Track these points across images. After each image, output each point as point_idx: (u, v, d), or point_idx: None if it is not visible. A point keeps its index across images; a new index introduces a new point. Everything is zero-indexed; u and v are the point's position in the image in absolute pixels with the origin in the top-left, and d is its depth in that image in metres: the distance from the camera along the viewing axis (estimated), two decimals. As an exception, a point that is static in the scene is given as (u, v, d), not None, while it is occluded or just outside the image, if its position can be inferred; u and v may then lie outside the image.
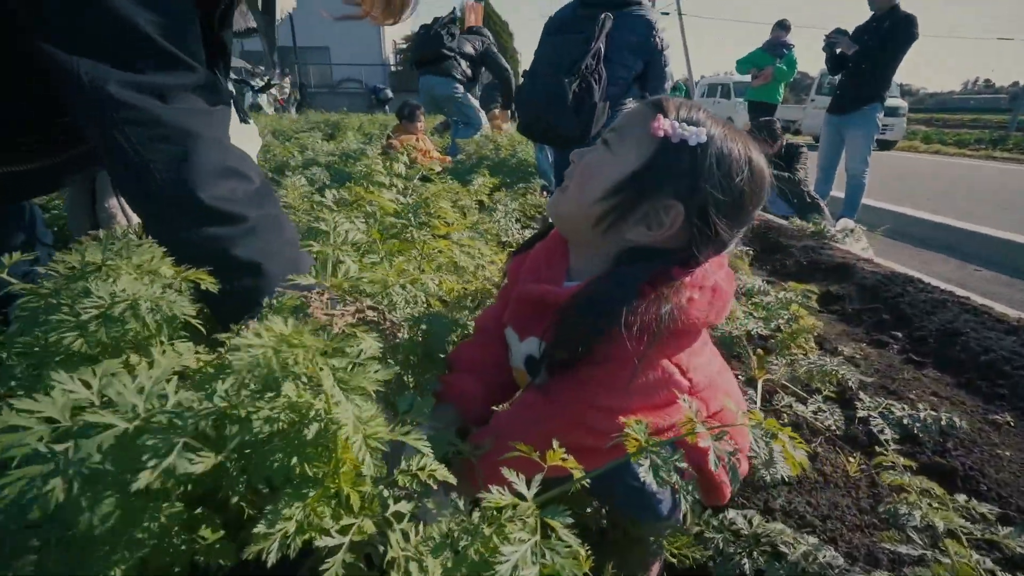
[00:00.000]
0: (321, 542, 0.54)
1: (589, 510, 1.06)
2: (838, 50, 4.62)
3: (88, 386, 0.46)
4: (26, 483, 0.39)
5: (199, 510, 0.65)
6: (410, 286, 1.07)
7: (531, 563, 0.53)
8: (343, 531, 0.56)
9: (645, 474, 0.59)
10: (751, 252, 2.34)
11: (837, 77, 4.84)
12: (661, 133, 0.75)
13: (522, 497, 0.59)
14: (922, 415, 1.31)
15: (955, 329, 1.96)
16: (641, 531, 0.92)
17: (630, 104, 0.81)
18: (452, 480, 0.63)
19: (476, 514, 0.56)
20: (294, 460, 0.54)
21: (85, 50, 0.67)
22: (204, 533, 0.64)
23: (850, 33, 4.63)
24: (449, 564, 0.53)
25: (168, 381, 0.47)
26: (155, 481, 0.46)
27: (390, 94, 16.27)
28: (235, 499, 0.56)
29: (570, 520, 0.58)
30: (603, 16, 2.96)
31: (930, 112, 31.18)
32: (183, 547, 0.62)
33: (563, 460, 0.63)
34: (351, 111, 10.81)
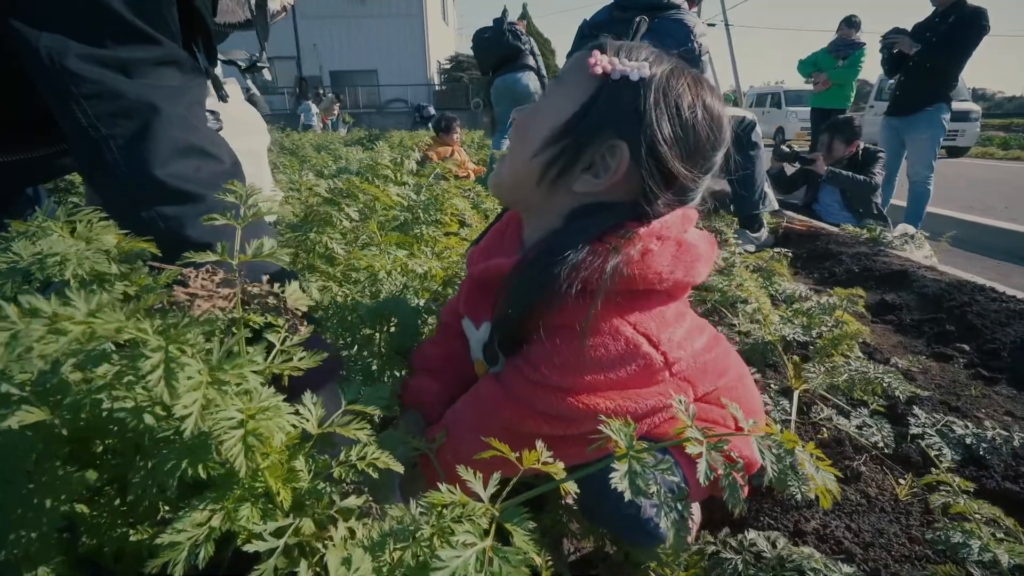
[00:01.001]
0: (252, 547, 0.48)
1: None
2: (896, 50, 4.33)
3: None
4: None
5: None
6: (396, 272, 1.03)
7: (474, 571, 0.45)
8: (278, 533, 0.50)
9: (619, 482, 0.50)
10: (790, 254, 2.17)
11: (895, 79, 4.53)
12: (599, 70, 0.67)
13: (477, 497, 0.51)
14: (989, 434, 1.13)
15: (1035, 342, 1.72)
16: (641, 556, 0.82)
17: None
18: (397, 467, 0.56)
19: (418, 512, 0.50)
20: (185, 462, 0.47)
21: (46, 23, 0.66)
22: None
23: (909, 32, 4.33)
24: (385, 570, 0.46)
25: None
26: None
27: (432, 111, 16.75)
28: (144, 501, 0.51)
29: (531, 525, 0.50)
30: (638, 19, 2.89)
31: (1009, 117, 28.80)
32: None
33: (543, 464, 0.55)
34: (395, 129, 11.17)
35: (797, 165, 4.20)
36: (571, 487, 0.56)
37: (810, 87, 6.00)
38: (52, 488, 0.42)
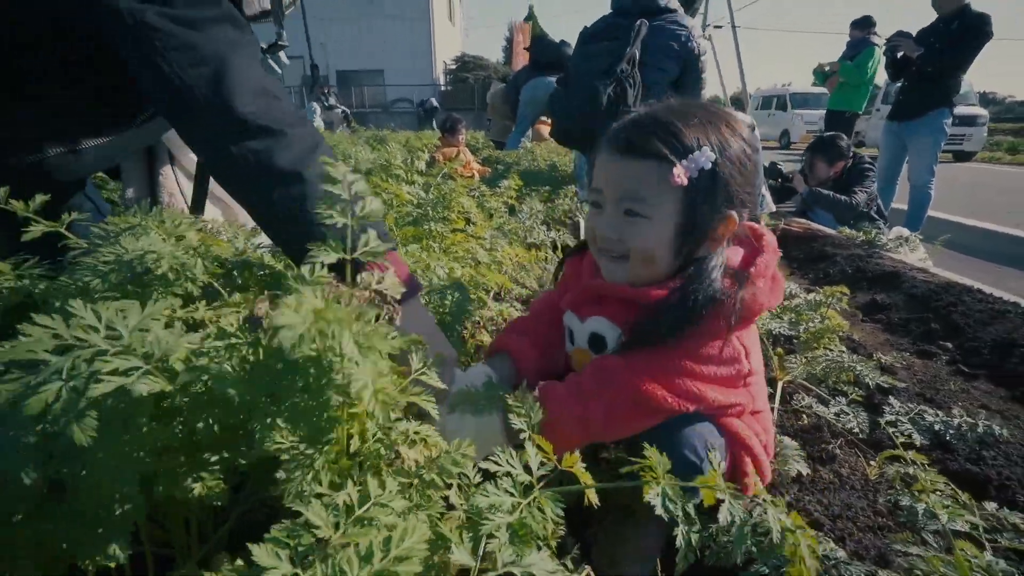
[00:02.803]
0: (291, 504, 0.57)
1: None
2: (899, 53, 4.38)
3: (98, 316, 0.53)
4: (23, 385, 0.46)
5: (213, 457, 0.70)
6: (421, 272, 1.12)
7: (507, 512, 0.55)
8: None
9: (653, 500, 0.60)
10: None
11: (899, 84, 4.57)
12: (684, 181, 0.81)
13: (528, 471, 0.61)
14: (956, 422, 1.21)
15: (1014, 340, 1.80)
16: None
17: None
18: (432, 412, 0.65)
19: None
20: (325, 414, 0.57)
21: None
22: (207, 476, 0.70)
23: (913, 36, 4.38)
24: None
25: (157, 320, 0.53)
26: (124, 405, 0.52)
27: (435, 103, 16.72)
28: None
29: (561, 511, 0.60)
30: (639, 23, 2.99)
31: (1019, 122, 28.55)
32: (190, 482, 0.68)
33: (578, 472, 0.65)
34: (400, 130, 11.28)
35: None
36: (593, 497, 0.66)
37: (818, 90, 5.97)
38: (138, 442, 0.52)
